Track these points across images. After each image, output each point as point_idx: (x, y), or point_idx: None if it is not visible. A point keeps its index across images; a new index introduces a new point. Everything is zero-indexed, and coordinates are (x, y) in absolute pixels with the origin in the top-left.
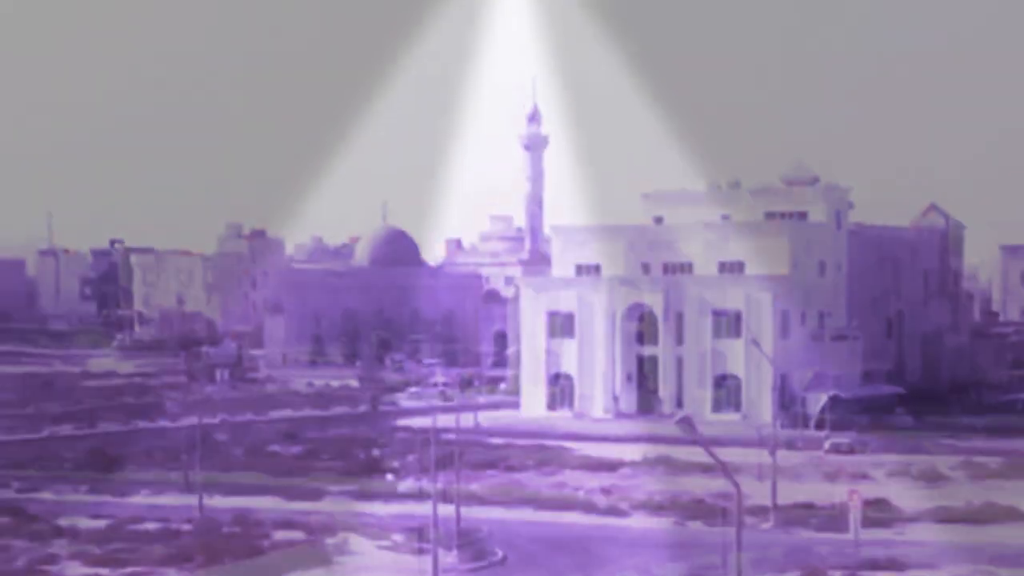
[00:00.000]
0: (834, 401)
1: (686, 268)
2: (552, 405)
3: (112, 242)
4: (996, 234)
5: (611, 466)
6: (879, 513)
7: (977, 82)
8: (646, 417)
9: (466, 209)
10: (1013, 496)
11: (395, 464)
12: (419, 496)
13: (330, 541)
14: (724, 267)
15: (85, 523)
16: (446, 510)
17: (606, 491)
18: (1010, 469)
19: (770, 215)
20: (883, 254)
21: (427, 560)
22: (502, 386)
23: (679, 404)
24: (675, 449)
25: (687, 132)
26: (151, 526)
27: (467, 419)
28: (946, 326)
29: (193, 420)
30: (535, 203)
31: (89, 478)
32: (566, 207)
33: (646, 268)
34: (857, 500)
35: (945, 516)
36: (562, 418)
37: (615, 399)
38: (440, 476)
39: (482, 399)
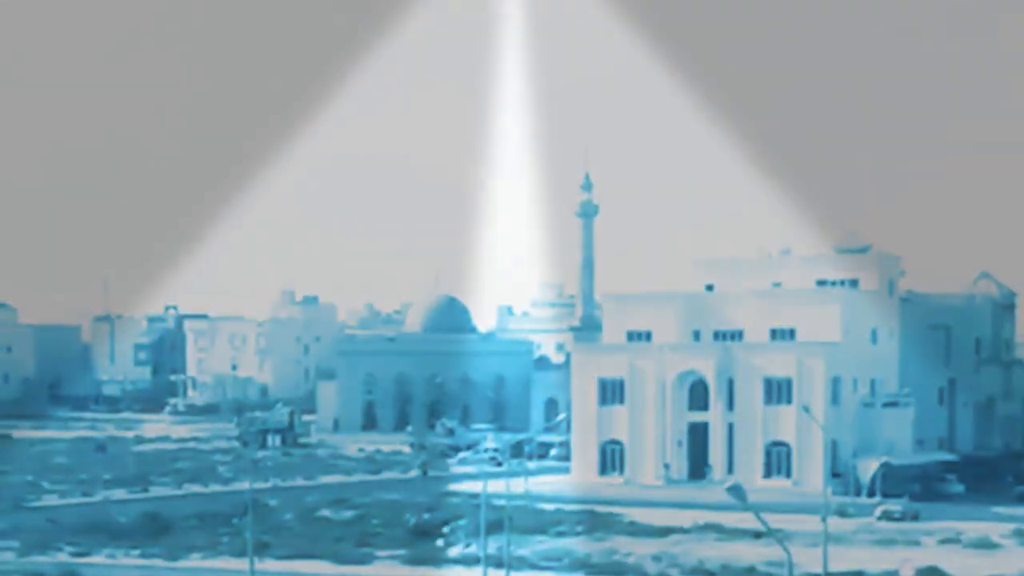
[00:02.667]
0: (885, 468)
1: (737, 335)
2: (603, 471)
3: (167, 308)
4: None
5: (661, 532)
6: None
7: None
8: (697, 483)
9: (518, 276)
10: None
11: (446, 529)
12: (469, 561)
13: None
14: (775, 334)
15: None
16: (496, 575)
17: (657, 557)
18: None
19: (821, 283)
20: (935, 322)
21: None
22: (553, 452)
23: (730, 471)
24: (726, 516)
25: (740, 199)
26: None
27: (518, 485)
28: (998, 394)
29: (245, 485)
30: (587, 270)
31: (141, 542)
32: (618, 274)
33: (697, 335)
34: (909, 568)
35: None
36: (613, 484)
37: (666, 465)
38: (490, 541)
39: (532, 464)
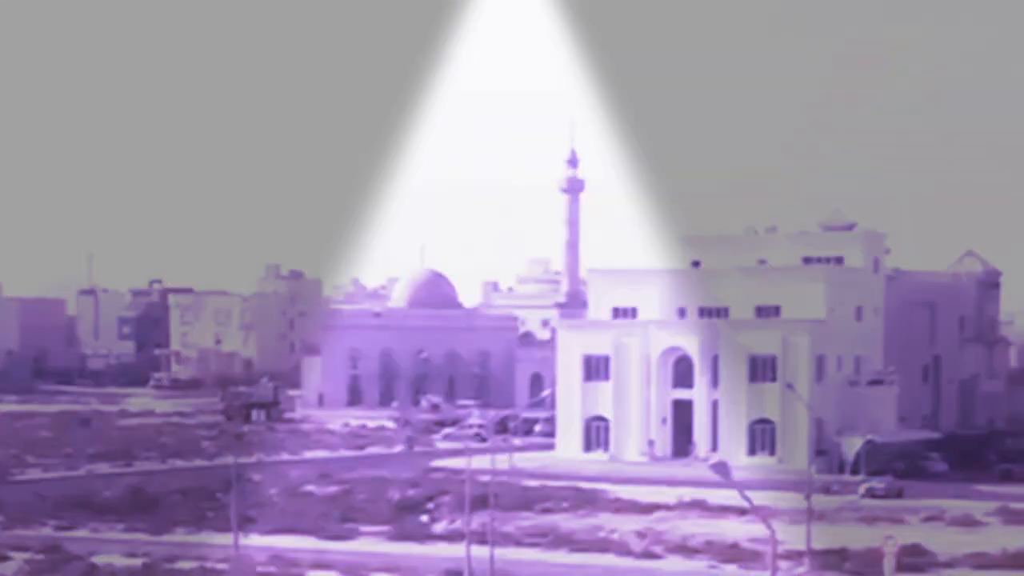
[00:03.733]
0: (869, 446)
1: (722, 312)
2: (587, 447)
3: (151, 282)
4: None
5: (646, 509)
6: (914, 558)
7: (1015, 129)
8: (681, 460)
9: (503, 251)
10: None
11: (430, 505)
12: (454, 537)
13: None
14: (760, 311)
15: (121, 561)
16: (481, 551)
17: (641, 534)
18: None
19: (807, 260)
20: (919, 299)
21: None
22: (538, 428)
23: (714, 448)
24: (710, 492)
25: (725, 176)
26: (187, 565)
27: (502, 461)
28: (982, 372)
29: (229, 459)
30: (572, 246)
31: (125, 516)
32: (603, 250)
33: (682, 312)
34: (892, 545)
35: (980, 562)
36: (597, 460)
37: (650, 442)
38: (475, 517)
39: (517, 441)
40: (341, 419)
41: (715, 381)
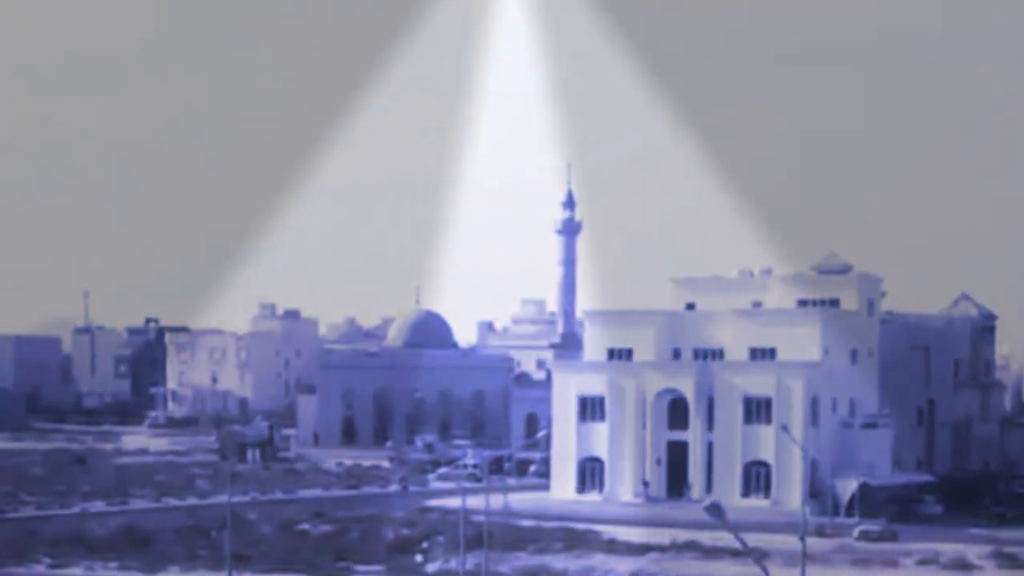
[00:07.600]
0: (864, 488)
1: (717, 354)
2: (582, 488)
3: (147, 320)
4: None
5: (640, 550)
6: None
7: (1011, 170)
8: (675, 502)
9: (498, 292)
10: None
11: (424, 544)
12: None
13: None
14: (755, 353)
15: None
16: None
17: (635, 575)
18: None
19: (802, 302)
20: (914, 342)
21: None
22: (532, 468)
23: (709, 489)
24: (704, 534)
25: (721, 218)
26: None
27: (497, 501)
28: (976, 415)
29: (224, 498)
30: (568, 287)
31: (119, 554)
32: (599, 291)
33: (677, 353)
34: None
35: None
36: (591, 501)
37: (645, 483)
38: (469, 557)
39: (512, 481)
40: (335, 458)
41: (710, 423)
